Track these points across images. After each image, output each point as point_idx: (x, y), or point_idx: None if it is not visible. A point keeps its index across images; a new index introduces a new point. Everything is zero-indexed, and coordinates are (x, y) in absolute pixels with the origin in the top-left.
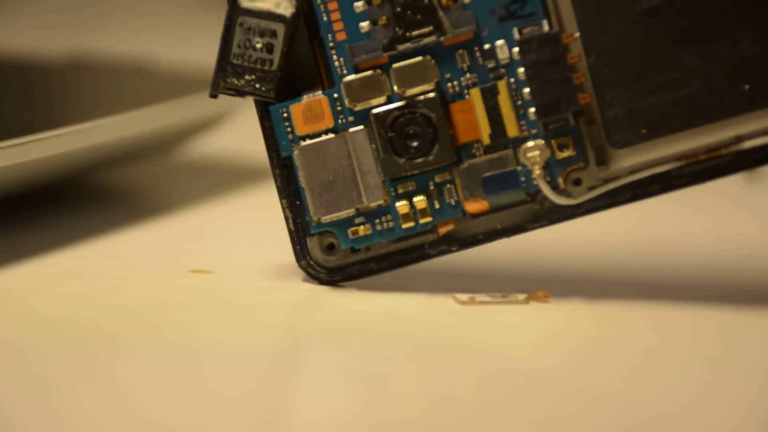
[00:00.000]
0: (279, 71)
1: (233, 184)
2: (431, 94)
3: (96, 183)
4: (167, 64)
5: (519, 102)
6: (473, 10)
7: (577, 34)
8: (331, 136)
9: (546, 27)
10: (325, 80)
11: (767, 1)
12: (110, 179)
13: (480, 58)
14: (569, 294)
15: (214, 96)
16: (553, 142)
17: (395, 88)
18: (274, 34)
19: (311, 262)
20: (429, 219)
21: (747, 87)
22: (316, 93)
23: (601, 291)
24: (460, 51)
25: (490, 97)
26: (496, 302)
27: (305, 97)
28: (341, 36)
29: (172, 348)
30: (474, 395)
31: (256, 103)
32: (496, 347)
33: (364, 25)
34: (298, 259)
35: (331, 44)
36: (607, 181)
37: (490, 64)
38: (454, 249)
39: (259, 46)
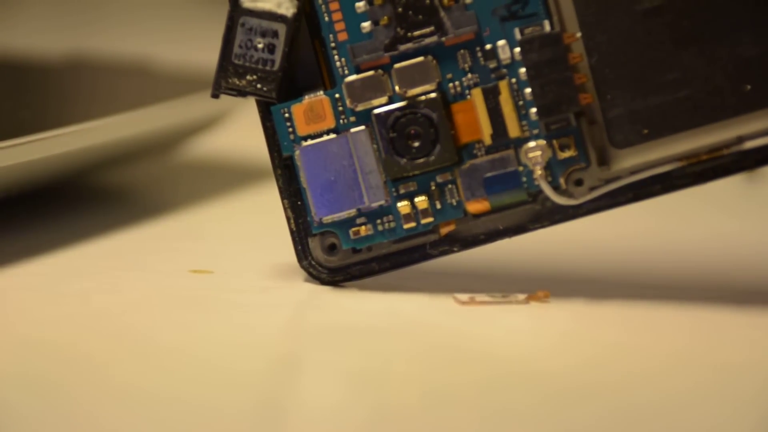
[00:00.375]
0: (280, 71)
1: (233, 184)
2: (433, 95)
3: (96, 183)
4: (167, 64)
5: (520, 102)
6: (475, 10)
7: (579, 35)
8: (332, 136)
9: (547, 27)
10: (327, 80)
11: None
12: (110, 179)
13: (481, 59)
14: (569, 294)
15: (215, 96)
16: (554, 142)
17: (397, 88)
18: (275, 34)
19: (313, 263)
20: (430, 219)
21: (748, 87)
22: (318, 93)
23: (601, 291)
24: (462, 51)
25: (491, 98)
26: (496, 302)
27: (307, 97)
28: (343, 36)
29: (172, 348)
30: (473, 395)
31: (258, 103)
32: (496, 347)
33: (366, 25)
34: (299, 260)
35: (333, 44)
36: (608, 181)
37: (492, 65)
38: (455, 249)
39: (260, 46)
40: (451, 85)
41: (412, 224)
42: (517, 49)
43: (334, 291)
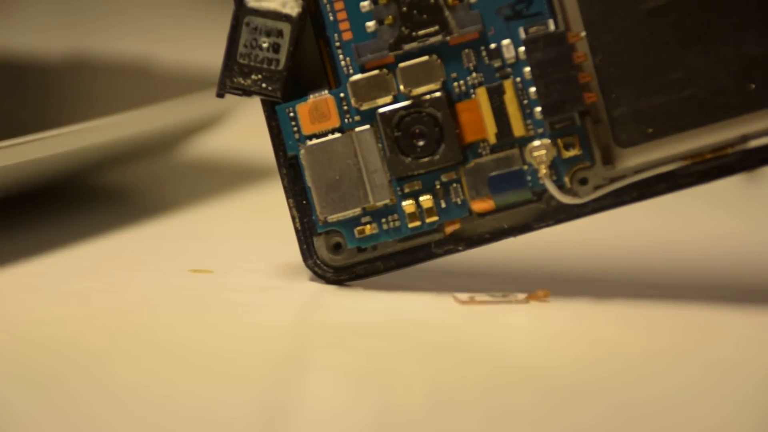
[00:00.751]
0: (285, 71)
1: (233, 184)
2: (437, 94)
3: (96, 183)
4: (167, 64)
5: (525, 101)
6: (479, 9)
7: (583, 34)
8: (337, 135)
9: (552, 26)
10: (332, 80)
11: None
12: (110, 179)
13: (486, 58)
14: (569, 293)
15: (220, 96)
16: (559, 141)
17: (401, 87)
18: (280, 33)
19: (318, 262)
20: (435, 218)
21: (753, 86)
22: (323, 92)
23: (601, 290)
24: (466, 50)
25: (496, 97)
26: (496, 302)
27: (311, 96)
28: (347, 35)
29: (174, 347)
30: (477, 395)
31: (263, 102)
32: (497, 346)
33: (371, 24)
34: (304, 259)
35: (338, 44)
36: (613, 180)
37: (496, 64)
38: (460, 248)
39: (265, 45)
40: (455, 84)
41: (417, 223)
42: (522, 49)
43: (340, 290)
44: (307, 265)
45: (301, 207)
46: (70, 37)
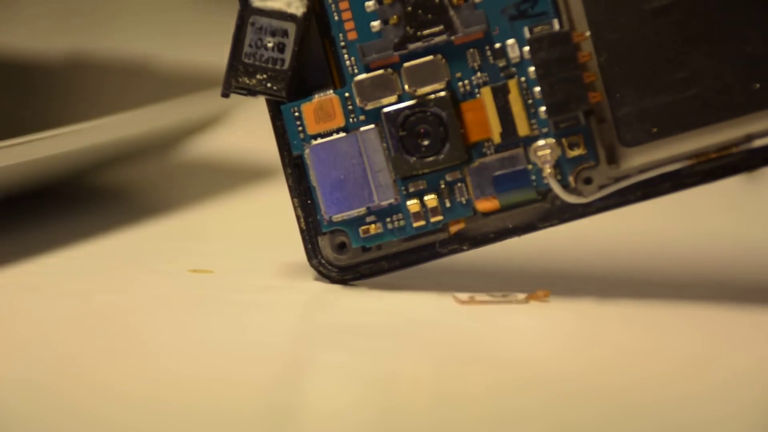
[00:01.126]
0: (290, 70)
1: (234, 184)
2: (442, 93)
3: (96, 183)
4: (167, 64)
5: (530, 101)
6: (484, 9)
7: (588, 33)
8: (342, 135)
9: (557, 26)
10: (337, 79)
11: None
12: (110, 179)
13: (491, 57)
14: (569, 293)
15: (226, 95)
16: (563, 140)
17: (406, 87)
18: (285, 33)
19: (322, 261)
20: (440, 218)
21: (757, 86)
22: (328, 92)
23: (601, 290)
24: (471, 50)
25: (500, 96)
26: (496, 301)
27: (316, 96)
28: (352, 35)
29: (175, 347)
30: (482, 397)
31: (268, 102)
32: (500, 348)
33: (375, 24)
34: (309, 258)
35: (342, 43)
36: (617, 179)
37: (501, 63)
38: (465, 248)
39: (270, 45)
40: (460, 83)
41: (422, 222)
42: (527, 48)
43: (344, 289)
44: (312, 265)
45: (305, 206)
46: (71, 37)
